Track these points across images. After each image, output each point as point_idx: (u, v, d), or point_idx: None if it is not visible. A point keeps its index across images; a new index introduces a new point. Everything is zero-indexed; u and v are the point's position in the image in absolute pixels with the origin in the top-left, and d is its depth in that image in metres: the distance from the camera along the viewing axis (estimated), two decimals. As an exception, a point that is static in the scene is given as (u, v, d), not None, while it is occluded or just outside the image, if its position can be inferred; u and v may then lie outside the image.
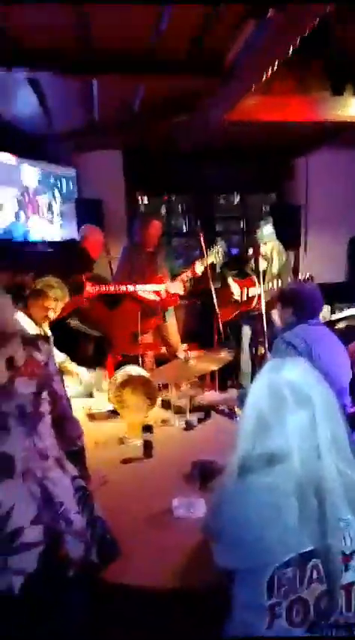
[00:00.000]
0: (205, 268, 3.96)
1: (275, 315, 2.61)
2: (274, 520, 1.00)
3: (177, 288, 3.98)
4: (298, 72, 3.43)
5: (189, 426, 2.19)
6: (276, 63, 2.52)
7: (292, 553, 0.97)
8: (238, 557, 1.04)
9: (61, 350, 2.72)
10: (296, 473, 1.01)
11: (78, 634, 1.24)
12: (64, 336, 3.25)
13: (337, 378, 2.15)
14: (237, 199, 6.27)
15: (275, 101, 3.43)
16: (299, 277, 4.22)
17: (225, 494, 1.09)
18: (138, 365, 3.56)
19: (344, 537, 0.99)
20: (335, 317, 4.09)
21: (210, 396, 2.47)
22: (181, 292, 4.02)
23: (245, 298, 4.22)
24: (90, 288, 3.60)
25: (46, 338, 1.48)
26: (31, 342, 1.36)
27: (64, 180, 4.76)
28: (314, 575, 0.96)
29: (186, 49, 2.70)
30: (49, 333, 2.66)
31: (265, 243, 4.09)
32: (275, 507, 1.00)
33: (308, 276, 4.05)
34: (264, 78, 2.75)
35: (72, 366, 2.72)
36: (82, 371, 2.72)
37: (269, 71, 2.63)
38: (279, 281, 4.02)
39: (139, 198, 5.78)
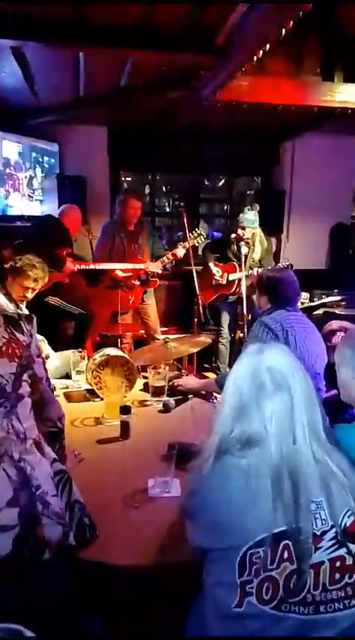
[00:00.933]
0: (187, 251, 3.95)
1: (256, 300, 2.63)
2: (250, 502, 1.02)
3: (156, 267, 3.96)
4: (291, 54, 3.40)
5: (166, 408, 2.21)
6: (268, 44, 2.48)
7: (265, 533, 0.99)
8: (214, 537, 1.06)
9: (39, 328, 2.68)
10: (271, 456, 1.04)
11: (56, 613, 1.25)
12: (42, 313, 3.21)
13: (312, 364, 2.19)
14: (222, 182, 6.25)
15: (267, 83, 3.39)
16: (279, 264, 4.26)
17: (202, 476, 1.10)
18: (117, 346, 3.57)
19: (315, 519, 1.02)
20: (313, 304, 4.15)
21: (190, 380, 2.48)
22: (159, 271, 3.99)
23: (225, 282, 4.24)
24: (70, 264, 3.55)
25: (29, 317, 1.45)
26: (13, 321, 1.33)
27: (46, 156, 4.65)
28: (285, 555, 0.99)
29: (179, 25, 2.63)
30: (26, 311, 2.63)
31: (244, 228, 4.11)
32: (250, 489, 1.02)
33: (287, 263, 4.09)
34: (256, 58, 2.72)
35: (45, 347, 2.68)
36: (53, 355, 2.68)
37: (261, 52, 2.60)
38: (260, 267, 4.06)
39: (123, 175, 5.71)
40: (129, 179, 6.35)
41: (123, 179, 6.04)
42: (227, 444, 1.08)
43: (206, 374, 4.47)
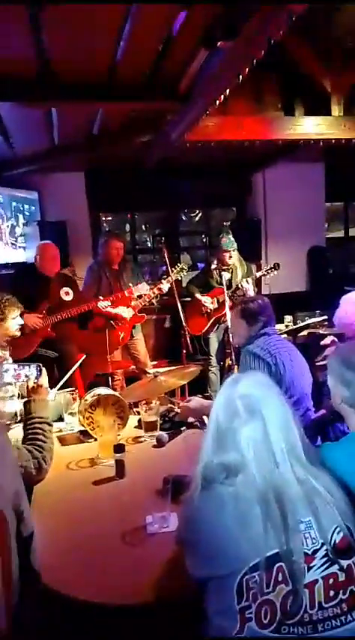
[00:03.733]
0: (171, 285, 4.05)
1: (232, 329, 2.72)
2: (241, 528, 1.06)
3: (143, 289, 4.03)
4: (252, 93, 3.61)
5: (159, 443, 2.23)
6: (228, 88, 2.65)
7: (259, 557, 1.03)
8: (210, 566, 1.09)
9: None
10: (255, 481, 1.08)
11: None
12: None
13: (299, 385, 2.25)
14: (199, 215, 6.43)
15: (231, 122, 3.59)
16: (266, 266, 4.39)
17: (193, 507, 1.14)
18: (108, 384, 3.60)
19: (305, 538, 1.06)
20: (297, 326, 4.24)
21: (195, 402, 2.46)
22: (148, 292, 4.06)
23: (216, 305, 4.35)
24: (39, 322, 3.59)
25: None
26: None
27: (26, 204, 4.78)
28: (280, 577, 1.02)
29: (142, 75, 2.81)
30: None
31: (228, 251, 4.24)
32: (240, 516, 1.06)
33: (273, 264, 4.21)
34: (219, 102, 2.88)
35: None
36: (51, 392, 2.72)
37: (222, 96, 2.76)
38: (244, 285, 4.17)
39: (102, 216, 5.85)
40: (109, 219, 6.52)
41: (103, 219, 6.20)
42: (212, 473, 1.13)
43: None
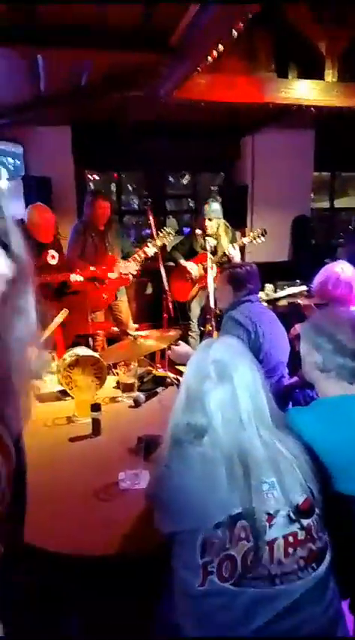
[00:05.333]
0: (156, 249, 4.00)
1: (217, 293, 2.72)
2: (207, 487, 1.10)
3: (132, 268, 4.00)
4: (246, 52, 3.48)
5: (136, 403, 2.27)
6: (221, 44, 2.55)
7: (223, 515, 1.07)
8: (177, 522, 1.14)
9: None
10: (221, 443, 1.12)
11: (28, 610, 1.30)
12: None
13: (276, 352, 2.30)
14: (186, 178, 6.31)
15: (223, 81, 3.48)
16: (254, 231, 4.37)
17: (163, 464, 1.18)
18: (90, 345, 3.61)
19: (268, 498, 1.10)
20: (278, 295, 4.27)
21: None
22: (134, 272, 4.04)
23: (202, 272, 4.34)
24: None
25: None
26: None
27: (10, 157, 4.61)
28: (242, 534, 1.07)
29: (133, 25, 2.68)
30: None
31: (210, 219, 4.21)
32: (207, 475, 1.10)
33: (261, 230, 4.19)
34: (210, 58, 2.79)
35: None
36: None
37: (215, 52, 2.67)
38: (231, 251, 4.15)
39: (89, 175, 5.69)
40: (96, 178, 6.37)
41: (90, 178, 6.05)
42: (181, 434, 1.16)
43: (178, 367, 4.56)
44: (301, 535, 1.10)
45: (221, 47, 2.55)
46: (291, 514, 1.10)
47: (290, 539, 1.09)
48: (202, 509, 1.09)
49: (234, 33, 2.36)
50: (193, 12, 2.44)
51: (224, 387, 1.16)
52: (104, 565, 1.37)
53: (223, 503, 1.08)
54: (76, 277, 3.72)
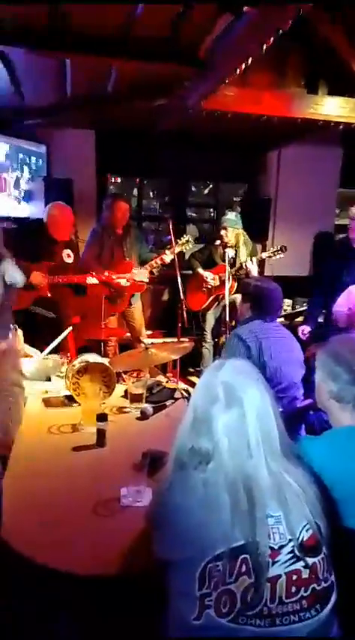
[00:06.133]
0: (174, 257, 3.98)
1: (238, 306, 2.67)
2: (209, 514, 1.05)
3: (143, 276, 3.98)
4: (275, 67, 3.46)
5: (143, 415, 2.23)
6: (250, 58, 2.53)
7: (224, 547, 1.02)
8: (175, 549, 1.09)
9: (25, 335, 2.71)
10: (226, 470, 1.07)
11: (24, 622, 1.27)
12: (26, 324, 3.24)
13: (287, 373, 2.24)
14: (209, 188, 6.29)
15: (251, 94, 3.46)
16: (273, 247, 4.32)
17: (164, 489, 1.14)
18: (101, 350, 3.59)
19: (273, 533, 1.05)
20: (295, 311, 4.20)
21: None
22: (146, 280, 4.02)
23: (218, 283, 4.31)
24: (38, 278, 3.50)
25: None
26: None
27: (33, 157, 4.64)
28: (243, 569, 1.02)
29: (161, 36, 2.67)
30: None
31: (225, 228, 4.18)
32: (209, 503, 1.06)
33: (280, 247, 4.13)
34: (239, 71, 2.76)
35: (25, 346, 2.70)
36: (35, 351, 2.70)
37: (243, 65, 2.64)
38: (248, 265, 4.10)
39: (110, 178, 5.71)
40: (118, 181, 6.38)
41: (112, 181, 6.07)
42: (186, 458, 1.12)
43: (191, 378, 4.52)
44: (305, 574, 1.05)
45: (250, 61, 2.52)
46: (296, 551, 1.05)
47: (294, 577, 1.04)
48: (203, 537, 1.05)
49: (264, 47, 2.33)
50: (223, 25, 2.43)
51: (232, 411, 1.12)
52: (100, 584, 1.33)
53: (225, 534, 1.03)
54: (91, 280, 3.70)
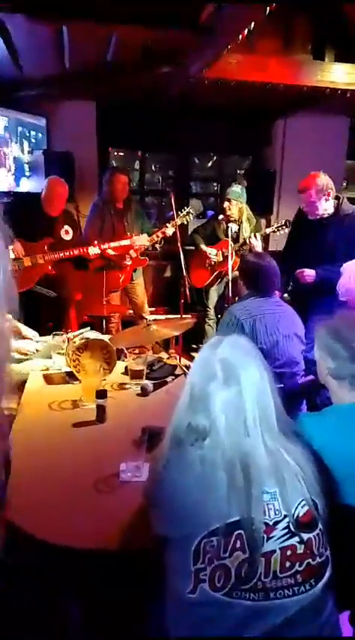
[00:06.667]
0: (175, 230, 3.92)
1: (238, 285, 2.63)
2: (205, 492, 1.05)
3: (143, 240, 3.92)
4: (281, 33, 3.34)
5: (144, 392, 2.23)
6: (253, 22, 2.42)
7: (219, 523, 1.03)
8: (172, 525, 1.10)
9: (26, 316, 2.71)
10: (223, 447, 1.06)
11: (25, 597, 1.29)
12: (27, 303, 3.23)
13: (286, 349, 2.22)
14: (212, 161, 6.16)
15: (256, 61, 3.35)
16: (277, 222, 4.23)
17: (161, 465, 1.14)
18: (103, 327, 3.59)
19: (268, 509, 1.05)
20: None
21: None
22: (147, 244, 3.96)
23: (221, 259, 4.25)
24: (41, 260, 3.49)
25: None
26: None
27: (33, 131, 4.55)
28: (238, 544, 1.02)
29: (162, 1, 2.57)
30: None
31: (229, 200, 4.10)
32: (206, 479, 1.06)
33: (284, 221, 4.05)
34: (242, 37, 2.66)
35: (23, 329, 2.68)
36: (33, 334, 2.69)
37: (246, 30, 2.54)
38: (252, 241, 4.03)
39: (112, 152, 5.60)
40: (120, 154, 6.26)
41: (114, 154, 5.95)
42: (183, 435, 1.11)
43: (194, 355, 4.52)
44: (300, 549, 1.05)
45: (253, 25, 2.41)
46: (291, 527, 1.05)
47: (288, 552, 1.04)
48: (198, 513, 1.05)
49: (267, 11, 2.23)
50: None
51: (230, 388, 1.10)
52: (99, 559, 1.35)
53: (220, 510, 1.03)
54: (94, 250, 3.66)
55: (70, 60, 3.56)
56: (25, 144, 4.51)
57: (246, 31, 2.48)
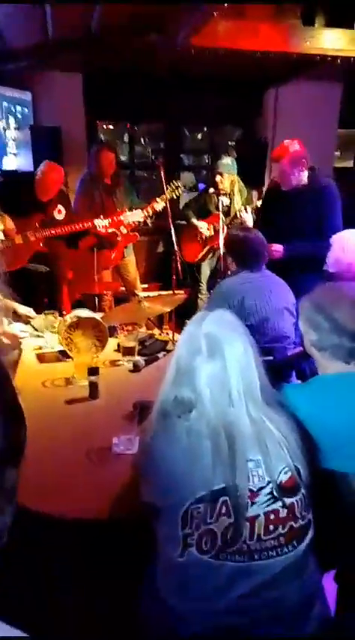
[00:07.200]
0: (165, 204, 3.89)
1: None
2: (191, 461, 1.09)
3: (137, 216, 3.88)
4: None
5: (136, 368, 2.26)
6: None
7: (205, 490, 1.07)
8: (160, 494, 1.14)
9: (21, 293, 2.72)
10: (208, 417, 1.10)
11: (17, 568, 1.34)
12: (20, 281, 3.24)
13: (275, 324, 2.24)
14: (202, 133, 6.06)
15: (244, 27, 3.27)
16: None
17: (149, 437, 1.17)
18: (95, 305, 3.59)
19: (253, 476, 1.09)
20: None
21: None
22: (141, 219, 3.92)
23: (212, 233, 4.23)
24: (31, 236, 3.46)
25: None
26: None
27: (18, 106, 4.45)
28: (223, 510, 1.07)
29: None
30: None
31: (221, 174, 4.06)
32: (192, 449, 1.09)
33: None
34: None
35: (18, 307, 2.69)
36: (28, 310, 2.71)
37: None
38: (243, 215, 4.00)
39: (101, 125, 5.49)
40: (110, 127, 6.15)
41: (103, 127, 5.84)
42: (170, 408, 1.15)
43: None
44: (283, 513, 1.10)
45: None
46: (275, 492, 1.10)
47: (272, 516, 1.09)
48: (185, 482, 1.09)
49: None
50: None
51: (214, 362, 1.13)
52: (93, 528, 1.40)
53: (206, 478, 1.08)
54: (100, 222, 3.62)
55: (54, 29, 3.46)
56: (12, 120, 4.41)
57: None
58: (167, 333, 2.89)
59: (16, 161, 4.54)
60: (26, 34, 3.62)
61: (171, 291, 3.90)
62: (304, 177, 2.95)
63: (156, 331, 2.84)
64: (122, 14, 3.16)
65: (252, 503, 1.08)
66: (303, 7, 3.32)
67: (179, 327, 4.11)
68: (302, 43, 3.39)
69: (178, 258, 3.86)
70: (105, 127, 5.96)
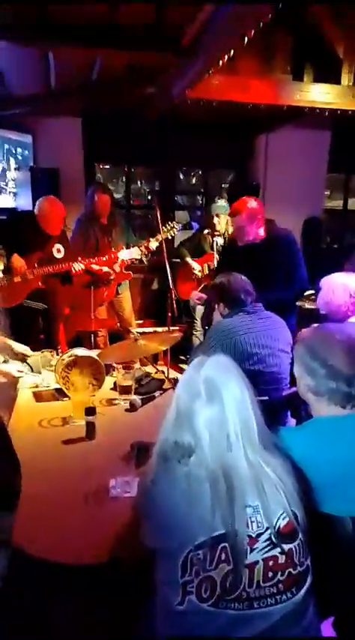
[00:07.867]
0: (160, 244, 3.98)
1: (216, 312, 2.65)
2: (192, 506, 1.10)
3: (135, 253, 3.95)
4: (262, 53, 3.45)
5: (132, 407, 2.27)
6: (232, 49, 2.52)
7: (205, 536, 1.08)
8: (160, 538, 1.15)
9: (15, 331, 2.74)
10: (207, 462, 1.12)
11: (15, 611, 1.32)
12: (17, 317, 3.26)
13: (271, 365, 2.27)
14: (196, 175, 6.27)
15: (237, 82, 3.45)
16: None
17: (149, 480, 1.19)
18: (91, 341, 3.62)
19: (251, 522, 1.11)
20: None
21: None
22: (138, 256, 3.98)
23: (206, 272, 4.33)
24: (29, 275, 3.52)
25: None
26: None
27: (19, 147, 4.61)
28: (222, 556, 1.07)
29: (144, 24, 2.65)
30: None
31: (218, 215, 4.20)
32: (192, 494, 1.11)
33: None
34: (223, 61, 2.75)
35: (14, 345, 2.71)
36: (25, 349, 2.72)
37: (226, 56, 2.63)
38: None
39: (98, 166, 5.66)
40: (107, 167, 6.34)
41: (100, 167, 6.02)
42: (170, 451, 1.17)
43: (182, 366, 4.56)
44: (281, 559, 1.11)
45: (232, 52, 2.51)
46: (273, 538, 1.11)
47: (271, 563, 1.10)
48: (185, 527, 1.10)
49: (245, 39, 2.32)
50: (206, 14, 2.41)
51: (213, 406, 1.16)
52: (91, 573, 1.38)
53: (206, 524, 1.09)
54: (77, 266, 3.66)
55: (56, 78, 3.64)
56: (12, 161, 4.55)
57: (226, 57, 2.57)
58: (162, 372, 2.91)
59: (16, 201, 4.66)
60: (30, 84, 3.79)
61: (166, 328, 3.96)
62: (260, 232, 2.99)
63: (150, 368, 2.85)
64: (121, 67, 3.34)
65: (251, 550, 1.09)
66: (293, 63, 3.52)
67: (173, 363, 4.16)
68: (292, 97, 3.58)
69: (173, 296, 3.93)
70: (102, 167, 6.16)
